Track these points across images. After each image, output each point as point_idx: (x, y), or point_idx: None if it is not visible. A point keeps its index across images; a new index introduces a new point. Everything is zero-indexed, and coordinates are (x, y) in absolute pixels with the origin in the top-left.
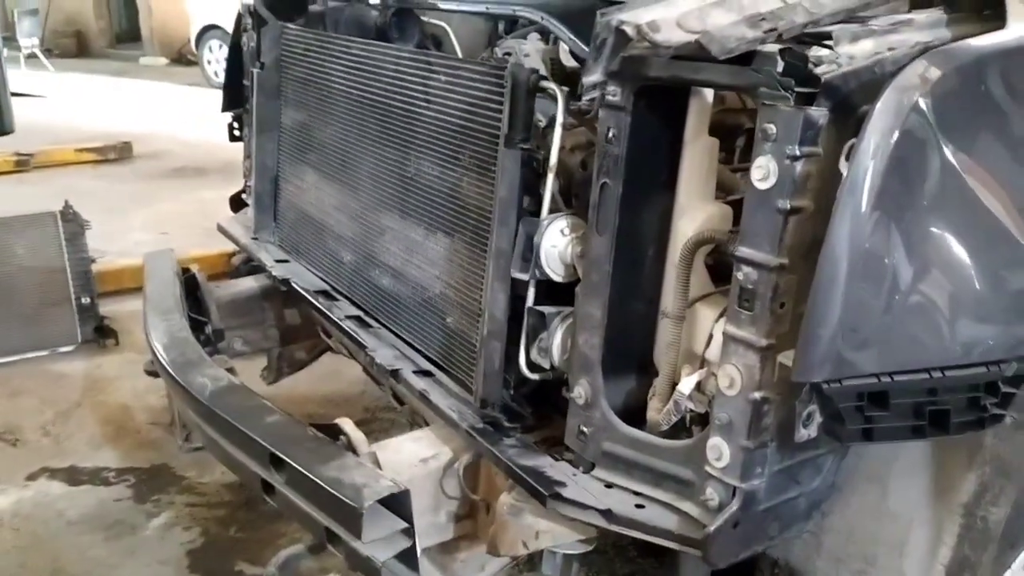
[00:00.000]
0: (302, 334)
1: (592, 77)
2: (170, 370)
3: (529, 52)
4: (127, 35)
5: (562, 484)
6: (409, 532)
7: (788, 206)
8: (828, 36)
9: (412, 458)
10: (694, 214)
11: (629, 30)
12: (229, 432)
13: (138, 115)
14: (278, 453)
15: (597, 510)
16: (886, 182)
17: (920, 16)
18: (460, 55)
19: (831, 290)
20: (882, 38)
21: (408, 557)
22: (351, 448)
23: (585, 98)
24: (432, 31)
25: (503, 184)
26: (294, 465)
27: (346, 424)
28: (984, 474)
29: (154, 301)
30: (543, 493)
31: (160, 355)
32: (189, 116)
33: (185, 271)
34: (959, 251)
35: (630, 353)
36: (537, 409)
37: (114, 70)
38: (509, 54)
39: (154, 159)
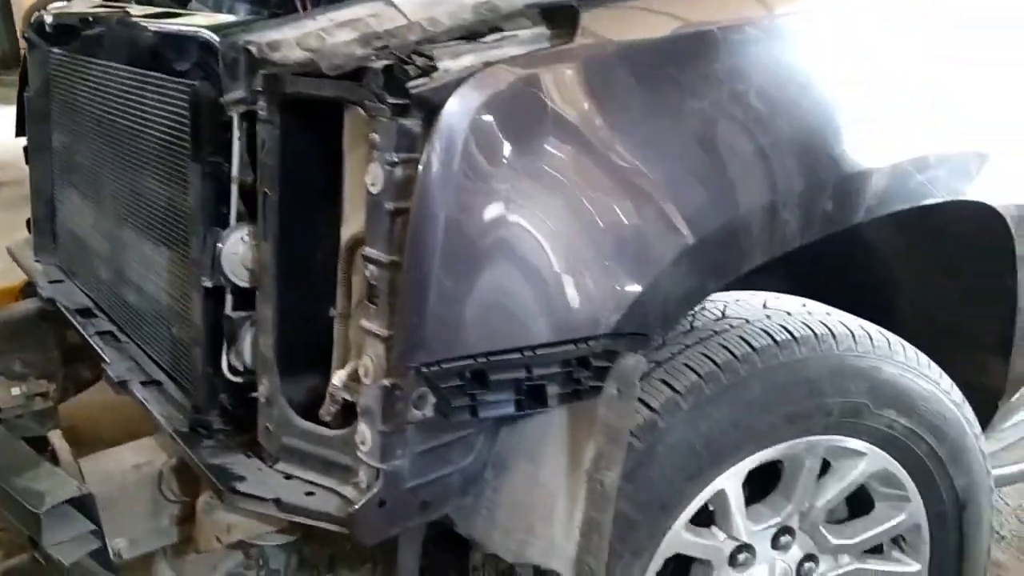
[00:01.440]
0: (85, 353)
1: (234, 94)
2: None
3: None
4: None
5: (241, 479)
6: (97, 533)
7: (393, 208)
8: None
9: (124, 465)
10: (356, 219)
11: (253, 50)
12: None
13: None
14: None
15: (268, 500)
16: (449, 181)
17: (525, 32)
18: None
19: (417, 281)
20: (483, 53)
21: (100, 556)
22: (55, 459)
23: (230, 113)
24: None
25: (192, 197)
26: None
27: (55, 437)
28: (599, 442)
29: None
30: (219, 487)
31: None
32: None
33: None
34: (533, 243)
35: (308, 352)
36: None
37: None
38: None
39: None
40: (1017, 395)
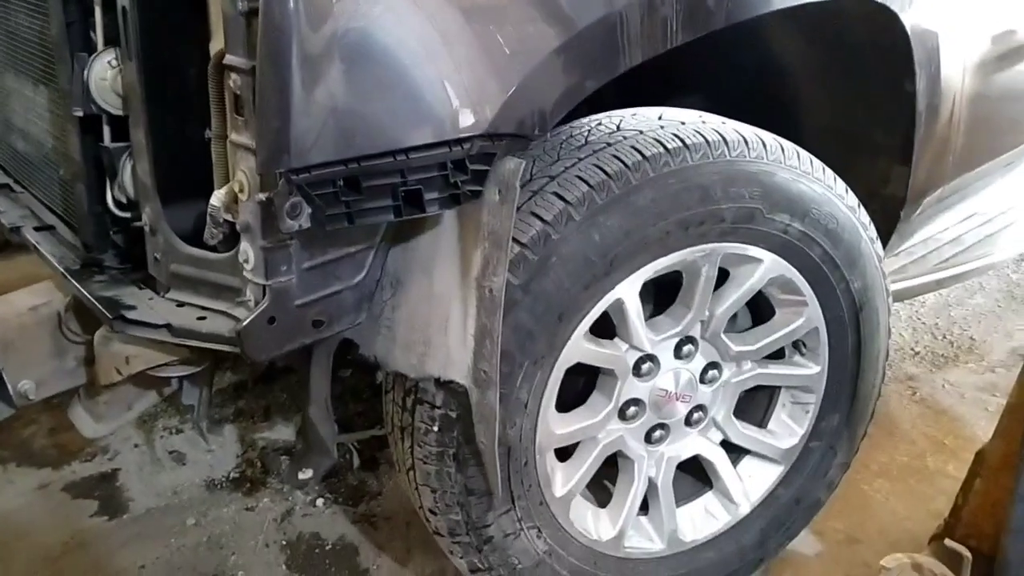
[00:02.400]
0: None
1: None
2: None
3: None
4: None
5: (131, 308)
6: None
7: (248, 7)
8: None
9: (22, 308)
10: (222, 32)
11: None
12: None
13: None
14: None
15: (158, 326)
16: None
17: None
18: None
19: (274, 82)
20: None
21: None
22: None
23: None
24: None
25: (54, 23)
26: None
27: None
28: (485, 248)
29: None
30: (108, 316)
31: None
32: None
33: None
34: (396, 39)
35: (189, 177)
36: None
37: None
38: None
39: None
40: (923, 209)
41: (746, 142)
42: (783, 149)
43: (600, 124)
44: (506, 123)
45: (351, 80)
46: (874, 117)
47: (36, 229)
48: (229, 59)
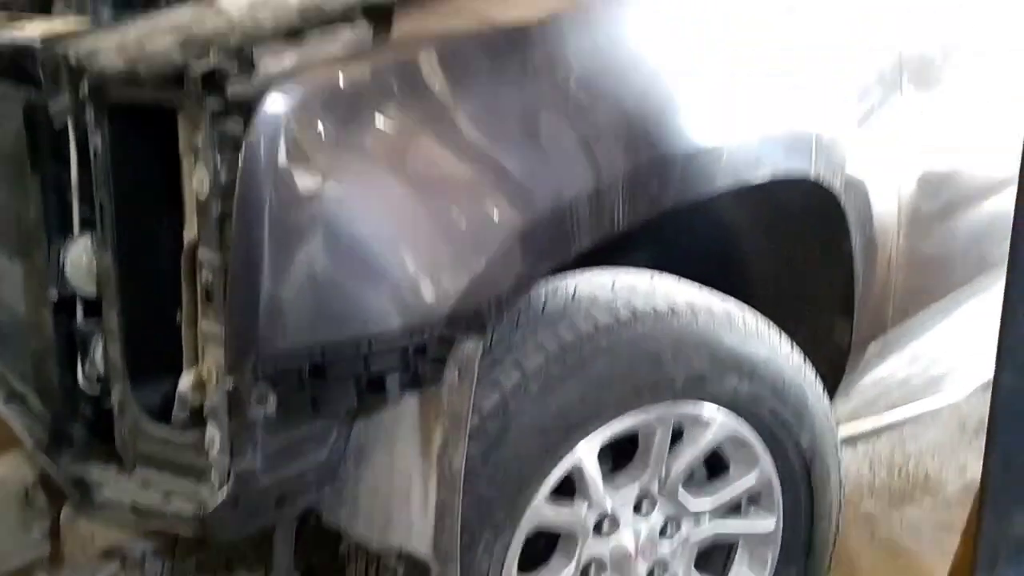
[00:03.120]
0: None
1: (58, 104)
2: None
3: None
4: None
5: (99, 486)
6: None
7: (221, 209)
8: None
9: None
10: (195, 222)
11: (72, 59)
12: None
13: None
14: None
15: (124, 506)
16: (268, 179)
17: (346, 31)
18: None
19: (244, 280)
20: (304, 53)
21: None
22: None
23: (57, 125)
24: None
25: (33, 207)
26: None
27: None
28: (445, 426)
29: None
30: (75, 496)
31: None
32: None
33: None
34: (358, 237)
35: (159, 358)
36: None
37: None
38: None
39: None
40: (869, 356)
41: (693, 309)
42: (729, 313)
43: (556, 291)
44: (465, 310)
45: (319, 277)
46: (815, 274)
47: (6, 398)
48: (202, 253)
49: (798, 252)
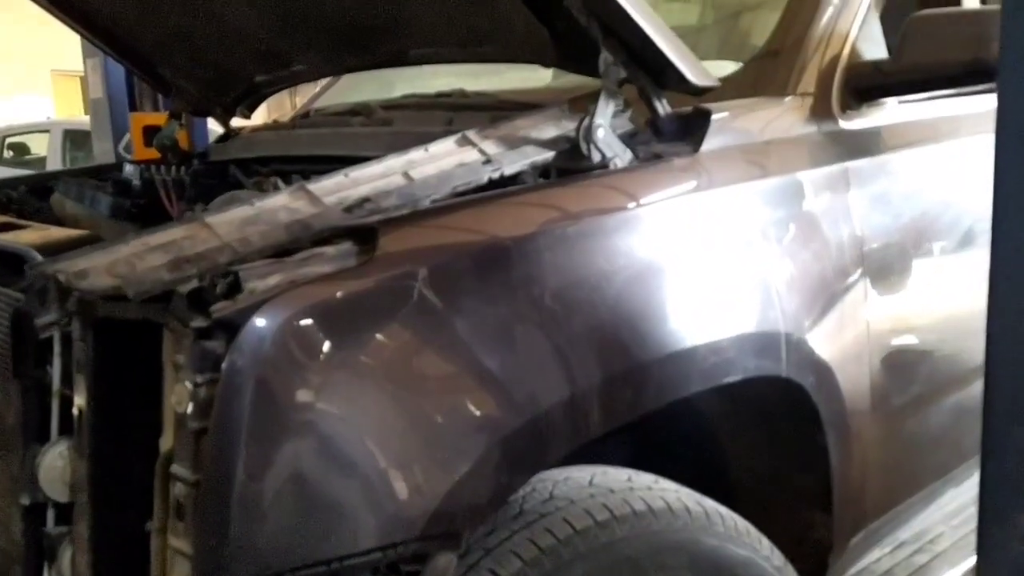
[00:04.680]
0: None
1: (45, 319)
2: None
3: None
4: None
5: None
6: None
7: (198, 427)
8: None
9: None
10: (172, 433)
11: (61, 279)
12: None
13: None
14: None
15: None
16: (248, 401)
17: (331, 250)
18: None
19: (216, 502)
20: (290, 272)
21: None
22: None
23: (42, 335)
24: None
25: (12, 412)
26: None
27: None
28: None
29: None
30: None
31: None
32: None
33: None
34: (333, 460)
35: (127, 568)
36: None
37: None
38: None
39: None
40: (851, 549)
41: (671, 510)
42: (707, 514)
43: (534, 491)
44: (438, 525)
45: (292, 501)
46: (793, 468)
47: None
48: (175, 468)
49: (776, 444)
